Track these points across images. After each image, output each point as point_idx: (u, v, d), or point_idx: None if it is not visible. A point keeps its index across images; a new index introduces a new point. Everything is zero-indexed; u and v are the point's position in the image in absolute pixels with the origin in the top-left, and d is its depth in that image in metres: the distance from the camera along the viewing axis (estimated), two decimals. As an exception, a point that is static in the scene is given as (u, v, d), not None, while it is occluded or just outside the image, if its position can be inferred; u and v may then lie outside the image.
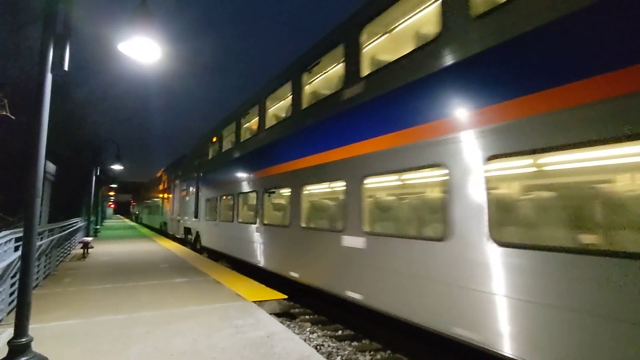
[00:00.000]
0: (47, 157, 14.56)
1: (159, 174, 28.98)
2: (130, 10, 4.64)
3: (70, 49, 4.08)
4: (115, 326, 4.85)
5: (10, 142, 11.78)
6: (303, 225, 6.89)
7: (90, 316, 5.29)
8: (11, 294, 5.35)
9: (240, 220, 10.22)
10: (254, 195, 9.40)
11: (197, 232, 14.79)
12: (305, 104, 7.30)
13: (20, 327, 3.60)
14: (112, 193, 49.93)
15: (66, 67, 4.01)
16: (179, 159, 20.23)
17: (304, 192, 7.06)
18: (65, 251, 11.90)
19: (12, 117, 5.69)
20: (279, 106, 9.46)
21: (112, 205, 74.42)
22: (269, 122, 9.06)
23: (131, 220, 57.02)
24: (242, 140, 10.75)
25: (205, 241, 13.66)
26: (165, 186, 23.79)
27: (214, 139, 13.53)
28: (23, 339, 3.58)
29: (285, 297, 6.45)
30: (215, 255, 12.38)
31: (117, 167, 18.11)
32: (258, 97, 9.60)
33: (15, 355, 3.51)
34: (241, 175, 10.41)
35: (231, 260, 10.98)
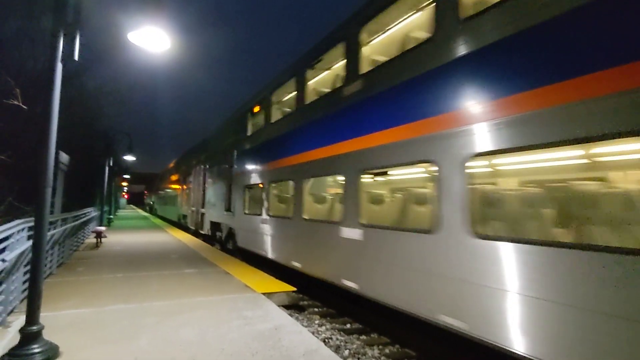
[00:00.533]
0: (62, 148, 14.79)
1: (175, 161, 27.69)
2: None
3: (84, 40, 4.08)
4: (125, 315, 4.89)
5: (25, 132, 11.99)
6: (473, 230, 3.88)
7: (102, 305, 5.35)
8: (24, 282, 5.42)
9: (307, 217, 7.27)
10: (337, 180, 6.79)
11: (231, 228, 11.90)
12: None
13: (32, 316, 3.65)
14: (125, 184, 50.55)
15: (76, 57, 4.01)
16: (202, 142, 17.57)
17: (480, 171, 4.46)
18: (79, 240, 12.10)
19: (25, 107, 5.74)
20: (391, 36, 6.31)
21: (126, 196, 75.73)
22: (366, 65, 6.10)
23: (145, 211, 55.62)
24: (308, 102, 7.67)
25: (243, 241, 10.74)
26: (185, 174, 21.68)
27: (257, 109, 10.41)
28: (34, 327, 3.63)
29: (294, 289, 6.44)
30: (253, 259, 9.72)
31: (129, 157, 18.29)
32: (345, 31, 6.49)
33: (27, 342, 3.56)
34: (310, 152, 7.17)
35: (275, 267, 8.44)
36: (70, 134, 19.72)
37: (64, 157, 9.48)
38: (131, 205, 79.63)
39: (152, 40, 4.85)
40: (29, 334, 3.59)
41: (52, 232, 7.29)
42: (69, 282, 6.82)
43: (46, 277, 7.13)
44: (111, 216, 24.37)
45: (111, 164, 19.48)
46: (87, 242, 13.15)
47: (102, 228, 13.31)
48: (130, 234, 17.31)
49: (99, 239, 12.50)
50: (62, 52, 3.89)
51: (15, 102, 6.18)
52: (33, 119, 9.25)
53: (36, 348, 3.56)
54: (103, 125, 26.56)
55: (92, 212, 15.87)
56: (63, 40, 3.90)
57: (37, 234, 3.69)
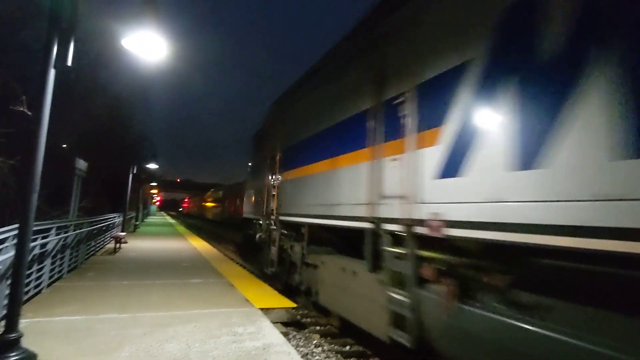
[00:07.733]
0: (94, 155, 15.20)
1: None
2: (137, 5, 4.61)
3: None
4: (116, 325, 4.79)
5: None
6: None
7: (96, 313, 5.29)
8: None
9: None
10: None
11: None
12: None
13: (11, 323, 3.58)
14: (154, 191, 52.02)
15: (69, 63, 4.01)
16: None
17: None
18: (98, 245, 12.35)
19: (29, 113, 5.91)
20: None
21: (158, 203, 78.17)
22: None
23: (176, 221, 40.98)
24: None
25: None
26: None
27: None
28: (13, 335, 3.56)
29: (294, 305, 6.20)
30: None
31: (152, 165, 18.73)
32: None
33: (5, 350, 3.48)
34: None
35: None
36: (101, 142, 20.53)
37: (82, 163, 9.73)
38: (162, 213, 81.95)
39: (149, 47, 4.84)
40: (7, 342, 3.51)
41: (64, 235, 7.43)
42: (75, 287, 6.85)
43: (55, 281, 7.22)
44: (137, 222, 24.92)
45: (135, 171, 19.97)
46: (107, 246, 13.41)
47: (122, 233, 13.55)
48: (151, 240, 17.57)
49: (117, 245, 12.72)
50: (56, 57, 3.90)
51: (21, 109, 6.38)
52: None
53: (13, 356, 3.48)
54: (134, 134, 27.56)
55: (116, 217, 16.25)
56: (57, 46, 3.91)
57: (20, 241, 3.64)
